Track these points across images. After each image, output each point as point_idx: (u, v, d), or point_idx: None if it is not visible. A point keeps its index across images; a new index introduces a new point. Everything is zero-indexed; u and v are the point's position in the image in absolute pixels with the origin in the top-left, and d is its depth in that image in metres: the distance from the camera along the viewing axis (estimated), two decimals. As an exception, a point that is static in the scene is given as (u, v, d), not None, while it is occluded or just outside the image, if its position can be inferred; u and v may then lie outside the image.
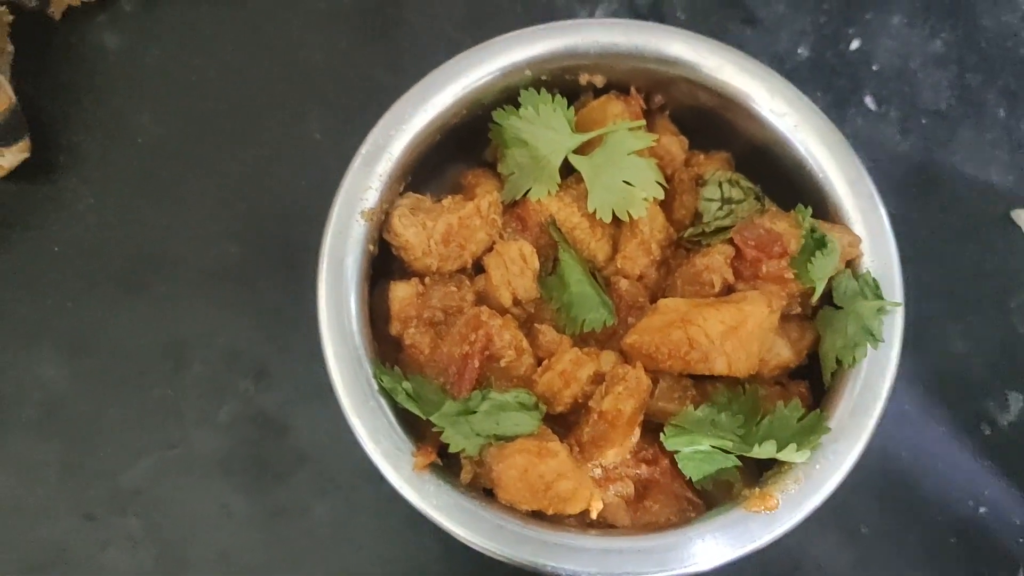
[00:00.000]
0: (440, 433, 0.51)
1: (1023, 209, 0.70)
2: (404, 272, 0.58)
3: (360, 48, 0.73)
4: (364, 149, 0.56)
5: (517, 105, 0.59)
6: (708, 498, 0.55)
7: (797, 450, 0.51)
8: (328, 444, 0.65)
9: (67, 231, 0.68)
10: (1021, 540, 0.65)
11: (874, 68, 0.73)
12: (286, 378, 0.66)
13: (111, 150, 0.70)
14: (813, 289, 0.55)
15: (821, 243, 0.53)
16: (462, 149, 0.62)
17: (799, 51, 0.73)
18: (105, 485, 0.64)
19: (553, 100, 0.58)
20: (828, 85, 0.72)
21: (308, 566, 0.63)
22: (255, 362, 0.67)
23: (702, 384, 0.57)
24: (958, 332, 0.69)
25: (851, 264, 0.56)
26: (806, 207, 0.55)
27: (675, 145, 0.61)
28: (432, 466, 0.52)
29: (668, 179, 0.60)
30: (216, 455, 0.65)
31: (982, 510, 0.65)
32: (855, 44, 0.73)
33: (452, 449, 0.51)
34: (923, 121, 0.72)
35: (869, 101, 0.72)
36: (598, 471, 0.55)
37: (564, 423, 0.55)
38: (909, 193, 0.70)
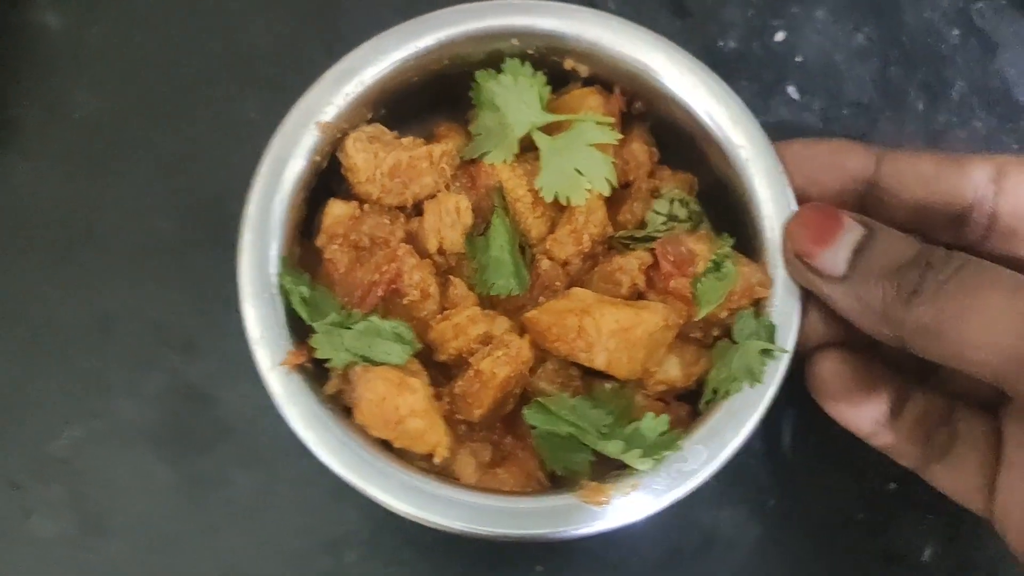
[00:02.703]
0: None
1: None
2: (348, 195, 0.59)
3: (299, 32, 0.74)
4: (338, 66, 0.57)
5: (500, 71, 0.60)
6: (557, 484, 0.56)
7: (641, 457, 0.52)
8: (253, 418, 0.66)
9: (1, 202, 0.69)
10: (930, 517, 0.66)
11: (798, 60, 0.75)
12: (214, 352, 0.67)
13: (49, 125, 0.71)
14: (715, 316, 0.55)
15: (717, 267, 0.54)
16: (450, 109, 0.63)
17: (726, 43, 0.75)
18: (30, 454, 0.65)
19: (533, 75, 0.60)
20: (754, 75, 0.74)
21: (230, 534, 0.65)
22: (183, 335, 0.68)
23: (589, 379, 0.58)
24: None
25: (758, 305, 0.56)
26: (732, 236, 0.56)
27: (644, 154, 0.62)
28: (302, 368, 0.53)
29: (627, 184, 0.61)
30: (141, 426, 0.66)
31: (891, 486, 0.66)
32: (780, 36, 0.75)
33: (318, 355, 0.52)
34: (844, 112, 0.73)
35: (792, 91, 0.74)
36: (463, 427, 0.56)
37: (448, 375, 0.57)
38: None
